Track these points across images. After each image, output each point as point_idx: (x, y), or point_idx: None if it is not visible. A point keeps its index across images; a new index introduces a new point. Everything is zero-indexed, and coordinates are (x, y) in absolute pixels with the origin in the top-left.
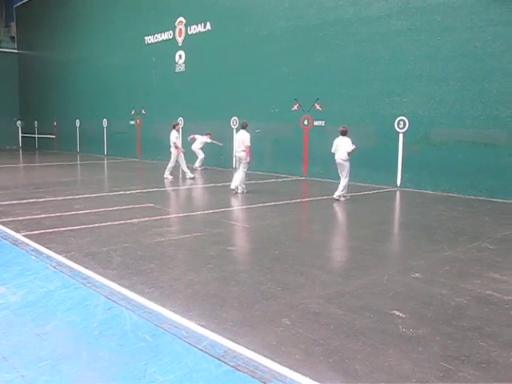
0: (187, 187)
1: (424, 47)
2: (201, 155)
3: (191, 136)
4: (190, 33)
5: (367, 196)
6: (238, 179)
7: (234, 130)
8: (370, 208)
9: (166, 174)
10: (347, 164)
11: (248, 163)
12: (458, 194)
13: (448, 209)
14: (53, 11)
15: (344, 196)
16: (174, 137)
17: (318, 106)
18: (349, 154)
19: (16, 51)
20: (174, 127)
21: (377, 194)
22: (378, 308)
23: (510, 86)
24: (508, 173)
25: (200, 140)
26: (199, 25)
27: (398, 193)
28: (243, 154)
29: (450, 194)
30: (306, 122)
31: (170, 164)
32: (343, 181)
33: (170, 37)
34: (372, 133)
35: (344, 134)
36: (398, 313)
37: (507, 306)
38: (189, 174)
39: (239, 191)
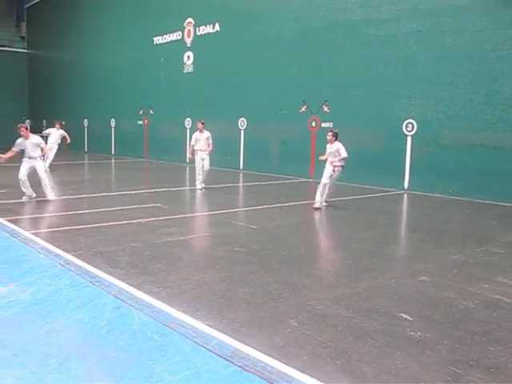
0: (194, 188)
1: (433, 50)
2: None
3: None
4: (198, 34)
5: (374, 199)
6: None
7: (242, 131)
8: (377, 211)
9: None
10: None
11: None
12: (466, 197)
13: (455, 212)
14: (63, 11)
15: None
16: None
17: (326, 108)
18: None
19: (26, 51)
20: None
21: (384, 197)
22: (386, 311)
23: None
24: None
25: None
26: (208, 26)
27: (405, 196)
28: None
29: (458, 198)
30: (313, 124)
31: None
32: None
33: (179, 37)
34: (380, 135)
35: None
36: (405, 316)
37: None
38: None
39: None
